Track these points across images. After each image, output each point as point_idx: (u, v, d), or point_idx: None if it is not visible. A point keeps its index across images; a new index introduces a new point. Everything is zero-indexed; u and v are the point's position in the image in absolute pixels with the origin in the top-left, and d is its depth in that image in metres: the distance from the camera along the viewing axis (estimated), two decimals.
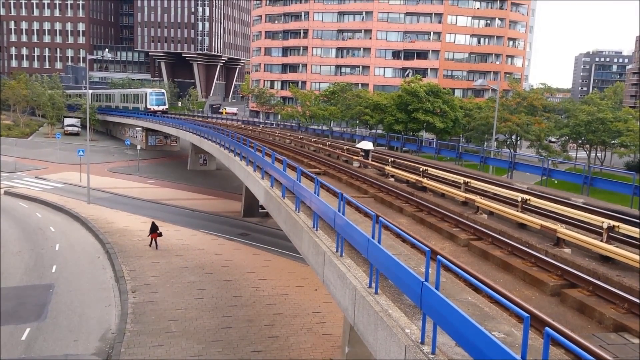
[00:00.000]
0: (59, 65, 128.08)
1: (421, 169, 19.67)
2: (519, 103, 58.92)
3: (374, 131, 60.85)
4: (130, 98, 76.67)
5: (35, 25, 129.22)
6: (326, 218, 11.31)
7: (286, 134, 44.05)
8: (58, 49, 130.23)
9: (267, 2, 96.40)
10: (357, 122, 66.18)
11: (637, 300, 8.37)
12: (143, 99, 72.00)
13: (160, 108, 70.81)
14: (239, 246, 30.20)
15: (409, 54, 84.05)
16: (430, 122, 54.75)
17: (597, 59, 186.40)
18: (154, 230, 28.98)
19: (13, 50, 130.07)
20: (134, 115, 71.24)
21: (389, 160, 22.61)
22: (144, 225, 33.11)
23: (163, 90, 77.44)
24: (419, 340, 6.76)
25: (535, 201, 14.23)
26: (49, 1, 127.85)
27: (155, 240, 28.94)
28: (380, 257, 8.18)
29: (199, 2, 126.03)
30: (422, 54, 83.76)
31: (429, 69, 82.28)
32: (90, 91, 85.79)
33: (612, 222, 11.45)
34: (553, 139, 62.14)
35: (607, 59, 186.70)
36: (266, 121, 79.71)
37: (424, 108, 54.66)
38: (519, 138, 58.17)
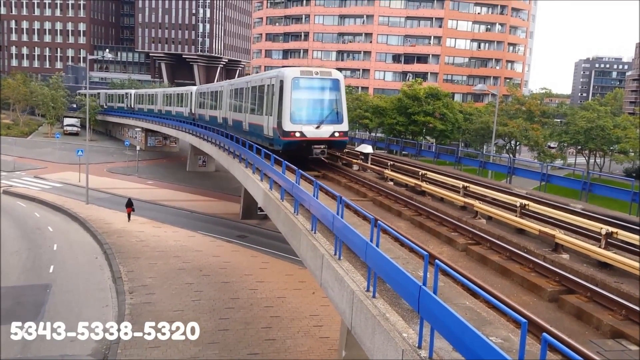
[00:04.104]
0: (59, 65, 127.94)
1: (420, 173, 19.68)
2: (518, 109, 59.03)
3: (373, 134, 60.85)
4: (255, 93, 26.77)
5: (36, 25, 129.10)
6: (325, 221, 11.30)
7: None
8: (58, 49, 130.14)
9: (268, 4, 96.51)
10: (357, 125, 66.23)
11: (635, 307, 8.37)
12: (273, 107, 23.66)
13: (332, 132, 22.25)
14: (237, 248, 30.16)
15: (409, 58, 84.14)
16: (430, 123, 54.81)
17: (597, 65, 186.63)
18: (130, 205, 33.49)
19: (13, 50, 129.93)
20: (133, 116, 70.66)
21: (388, 163, 22.61)
22: (143, 226, 33.13)
23: (338, 74, 22.93)
24: (417, 345, 6.75)
25: (533, 206, 14.24)
26: (50, 1, 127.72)
27: (129, 214, 33.44)
28: (378, 261, 8.17)
29: (200, 3, 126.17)
30: (422, 58, 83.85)
31: (429, 73, 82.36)
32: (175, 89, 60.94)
33: (611, 229, 11.45)
34: (552, 145, 62.23)
35: (607, 65, 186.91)
36: None
37: (424, 110, 54.74)
38: (518, 143, 58.23)
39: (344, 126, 22.22)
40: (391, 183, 20.06)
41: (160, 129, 60.36)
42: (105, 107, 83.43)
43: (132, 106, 72.47)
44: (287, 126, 21.32)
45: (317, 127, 21.47)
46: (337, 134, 21.84)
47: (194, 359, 17.14)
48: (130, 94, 74.36)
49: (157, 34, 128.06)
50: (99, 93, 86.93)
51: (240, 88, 29.97)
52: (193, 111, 47.18)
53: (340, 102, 22.15)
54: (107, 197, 40.94)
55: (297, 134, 21.33)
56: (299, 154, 21.44)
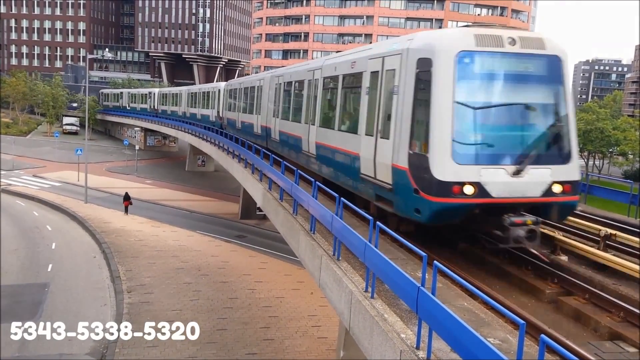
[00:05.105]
0: (58, 64, 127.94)
1: None
2: None
3: None
4: (332, 89, 14.62)
5: (36, 24, 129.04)
6: (323, 221, 11.29)
7: None
8: (58, 48, 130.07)
9: (268, 4, 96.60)
10: None
11: (633, 309, 8.37)
12: None
13: None
14: (236, 248, 30.16)
15: None
16: None
17: (596, 67, 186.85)
18: (127, 199, 35.38)
19: (13, 48, 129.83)
20: (133, 115, 70.65)
21: None
22: (141, 225, 33.11)
23: (555, 45, 9.75)
24: (415, 346, 6.74)
25: None
26: (50, 0, 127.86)
27: (126, 207, 35.28)
28: (377, 262, 8.16)
29: (200, 3, 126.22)
30: None
31: None
32: None
33: (610, 231, 11.44)
34: None
35: (607, 68, 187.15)
36: None
37: None
38: None
39: (574, 169, 9.79)
40: None
41: (159, 129, 60.35)
42: (128, 107, 76.57)
43: (156, 107, 63.91)
44: (444, 170, 9.06)
45: (517, 174, 9.17)
46: (558, 189, 9.51)
47: (192, 359, 17.12)
48: (154, 94, 66.07)
49: (157, 34, 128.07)
50: (121, 92, 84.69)
51: (298, 81, 17.53)
52: (221, 115, 36.87)
53: (564, 109, 9.74)
54: (105, 197, 40.91)
55: (469, 190, 9.02)
56: (468, 232, 10.57)
